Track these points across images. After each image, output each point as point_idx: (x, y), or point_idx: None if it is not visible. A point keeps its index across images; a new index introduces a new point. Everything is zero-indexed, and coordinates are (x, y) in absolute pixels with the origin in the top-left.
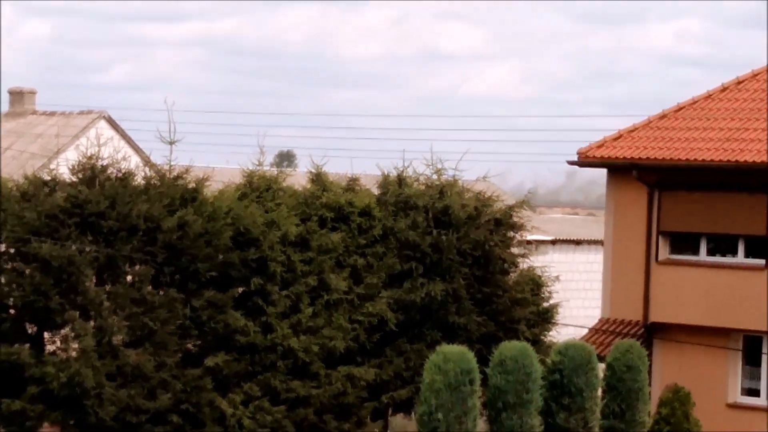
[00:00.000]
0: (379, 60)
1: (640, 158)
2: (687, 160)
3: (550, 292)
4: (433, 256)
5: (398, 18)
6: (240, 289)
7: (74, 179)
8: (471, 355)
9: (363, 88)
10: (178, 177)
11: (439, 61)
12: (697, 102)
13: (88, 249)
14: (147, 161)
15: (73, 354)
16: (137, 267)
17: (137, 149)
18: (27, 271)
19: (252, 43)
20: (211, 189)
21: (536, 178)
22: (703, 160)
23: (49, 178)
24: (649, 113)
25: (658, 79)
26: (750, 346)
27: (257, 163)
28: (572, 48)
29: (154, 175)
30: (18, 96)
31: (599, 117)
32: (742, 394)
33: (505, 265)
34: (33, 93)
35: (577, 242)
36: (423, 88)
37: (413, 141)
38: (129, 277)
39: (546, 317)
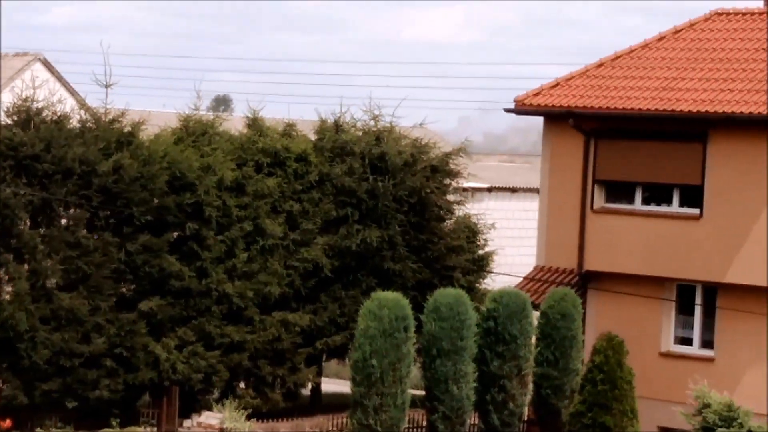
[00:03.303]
0: (327, 1)
1: (576, 106)
2: (623, 108)
3: (485, 240)
4: (369, 203)
5: None
6: (175, 234)
7: (9, 122)
8: (406, 302)
9: (309, 33)
10: (113, 121)
11: (385, 3)
12: (634, 51)
13: (22, 192)
14: (83, 104)
15: (7, 297)
16: (72, 210)
17: (73, 92)
18: None
19: None
20: (147, 133)
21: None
22: (639, 109)
23: None
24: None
25: (605, 27)
26: (684, 295)
27: (194, 107)
28: None
29: (89, 118)
30: None
31: (544, 65)
32: (675, 343)
33: (441, 212)
34: None
35: (513, 190)
36: (368, 32)
37: (353, 87)
38: (64, 221)
39: (481, 265)
